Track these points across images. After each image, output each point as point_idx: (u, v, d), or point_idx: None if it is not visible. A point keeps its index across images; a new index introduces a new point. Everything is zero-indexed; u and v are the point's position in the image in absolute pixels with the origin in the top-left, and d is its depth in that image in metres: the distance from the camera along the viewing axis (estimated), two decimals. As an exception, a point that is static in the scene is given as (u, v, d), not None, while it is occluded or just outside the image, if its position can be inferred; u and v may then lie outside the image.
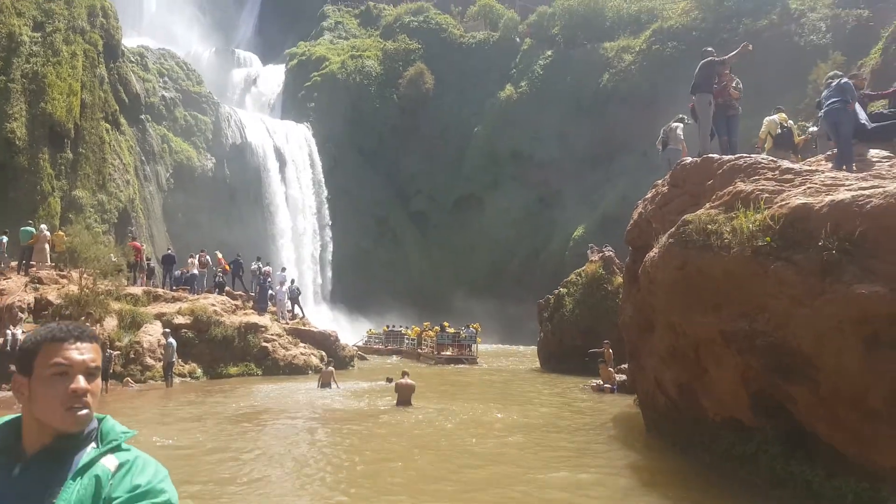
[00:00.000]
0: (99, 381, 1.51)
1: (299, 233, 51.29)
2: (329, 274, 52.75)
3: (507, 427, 11.50)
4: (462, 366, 27.66)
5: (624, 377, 16.30)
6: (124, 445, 1.50)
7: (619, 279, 21.89)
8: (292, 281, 28.15)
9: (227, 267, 26.10)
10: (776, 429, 7.19)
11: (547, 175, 52.34)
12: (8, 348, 14.87)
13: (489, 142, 55.82)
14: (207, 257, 25.31)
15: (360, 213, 54.48)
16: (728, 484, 7.32)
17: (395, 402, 13.68)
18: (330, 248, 53.48)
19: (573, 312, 24.13)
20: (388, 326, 39.21)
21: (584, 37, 55.17)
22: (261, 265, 25.84)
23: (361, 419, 12.11)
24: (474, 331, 31.09)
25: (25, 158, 32.07)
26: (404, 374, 14.01)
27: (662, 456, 9.19)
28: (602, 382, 17.26)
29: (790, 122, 12.36)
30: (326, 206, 53.81)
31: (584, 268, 25.20)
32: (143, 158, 42.84)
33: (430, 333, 31.19)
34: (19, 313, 16.37)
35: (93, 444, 1.48)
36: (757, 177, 8.22)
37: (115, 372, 16.63)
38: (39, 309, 17.23)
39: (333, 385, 17.05)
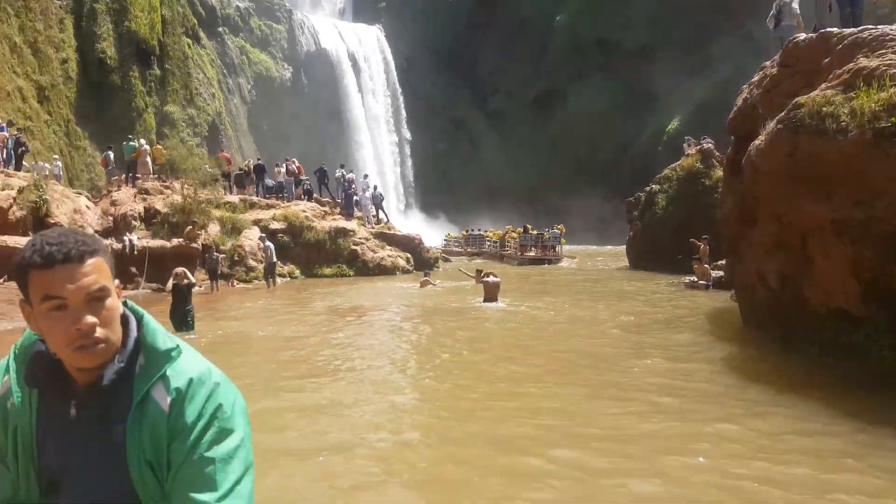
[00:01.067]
0: (111, 300, 1.21)
1: (376, 138, 51.64)
2: (408, 178, 53.35)
3: (598, 322, 11.66)
4: (546, 266, 27.86)
5: (720, 273, 15.88)
6: (171, 371, 1.25)
7: (719, 173, 20.82)
8: (375, 187, 28.67)
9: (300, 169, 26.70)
10: (888, 319, 6.95)
11: (637, 64, 49.23)
12: (127, 252, 16.22)
13: (573, 31, 52.80)
14: (294, 165, 26.06)
15: (435, 116, 53.99)
16: (831, 376, 7.11)
17: (481, 299, 14.00)
18: (407, 152, 53.72)
19: (666, 210, 23.34)
20: (467, 230, 39.59)
21: None
22: (344, 172, 26.41)
23: (452, 314, 12.60)
24: (558, 231, 30.98)
25: (118, 77, 33.47)
26: (489, 273, 14.18)
27: (760, 349, 8.96)
28: (696, 279, 16.83)
29: None
30: (403, 110, 53.58)
31: (679, 162, 24.04)
32: (224, 71, 43.72)
33: (514, 235, 31.36)
34: (132, 221, 17.67)
35: (140, 362, 1.26)
36: (883, 51, 7.47)
37: (222, 273, 17.89)
38: (149, 217, 18.51)
39: (430, 286, 17.55)
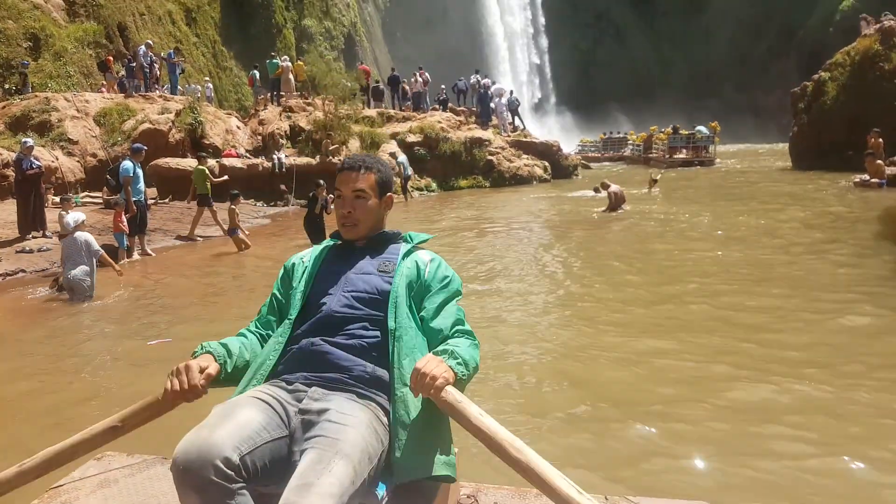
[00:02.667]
0: (368, 200, 1.84)
1: (513, 38, 49.51)
2: (547, 81, 51.03)
3: (754, 228, 10.56)
4: (698, 168, 25.84)
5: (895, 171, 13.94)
6: (426, 247, 1.93)
7: (902, 54, 17.84)
8: (511, 92, 27.65)
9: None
10: None
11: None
12: (276, 170, 17.10)
13: None
14: (427, 74, 25.70)
15: (577, 10, 50.49)
16: None
17: (604, 209, 13.40)
18: (546, 52, 51.12)
19: (836, 100, 20.64)
20: (604, 134, 37.52)
21: None
22: (479, 78, 25.64)
23: (582, 224, 12.03)
24: (711, 130, 28.40)
25: (257, -8, 34.33)
26: (607, 184, 13.59)
27: None
28: (868, 177, 14.89)
29: None
30: (541, 8, 50.61)
31: (853, 45, 20.85)
32: (357, -20, 43.53)
33: (661, 136, 29.20)
34: (280, 140, 18.52)
35: (404, 243, 1.91)
36: None
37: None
38: (294, 135, 19.29)
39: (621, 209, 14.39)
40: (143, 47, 20.13)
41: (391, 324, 1.68)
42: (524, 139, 24.85)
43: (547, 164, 23.77)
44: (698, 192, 17.15)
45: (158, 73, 20.73)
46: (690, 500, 1.94)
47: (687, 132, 28.44)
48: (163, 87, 20.77)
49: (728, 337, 5.20)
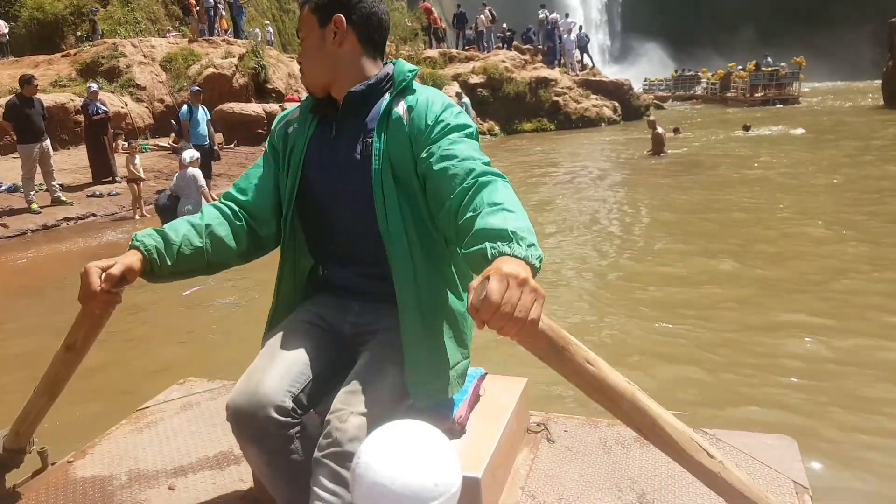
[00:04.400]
0: (308, 40, 1.45)
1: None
2: (616, 15, 48.45)
3: (819, 160, 9.74)
4: (779, 107, 24.16)
5: None
6: (414, 85, 1.46)
7: None
8: (580, 28, 26.32)
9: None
10: None
11: None
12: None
13: None
14: (492, 11, 24.67)
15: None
16: None
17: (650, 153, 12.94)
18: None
19: (943, 31, 18.65)
20: (676, 71, 35.42)
21: None
22: (547, 13, 24.45)
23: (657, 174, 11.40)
24: (797, 66, 26.37)
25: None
26: (654, 123, 13.08)
27: None
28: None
29: None
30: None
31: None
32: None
33: (742, 73, 27.33)
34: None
35: (388, 91, 1.45)
36: None
37: (423, 131, 18.10)
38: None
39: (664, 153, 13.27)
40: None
41: (381, 227, 1.36)
42: (593, 78, 23.77)
43: (617, 104, 22.70)
44: (781, 132, 15.98)
45: (223, 14, 20.66)
46: (772, 433, 1.81)
47: (770, 68, 26.52)
48: (226, 31, 20.74)
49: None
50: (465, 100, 18.29)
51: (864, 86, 29.59)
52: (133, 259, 1.28)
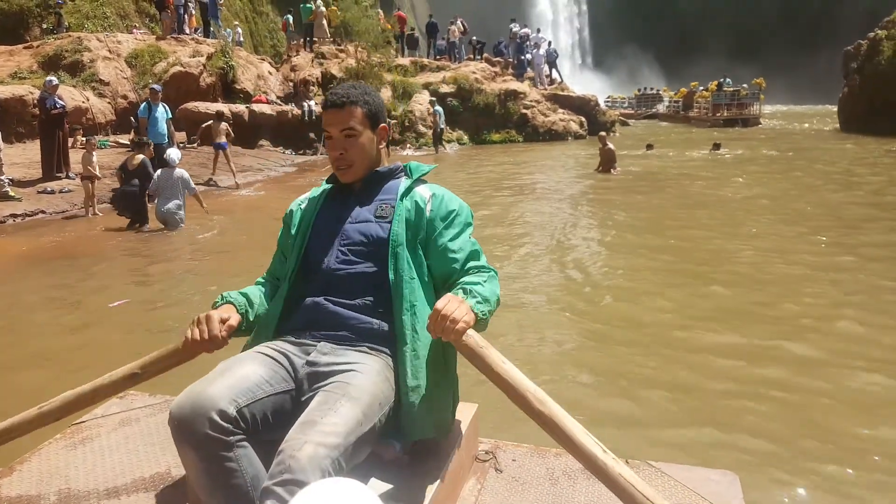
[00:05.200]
0: (360, 136, 1.64)
1: (555, -11, 47.76)
2: (585, 32, 49.31)
3: (783, 185, 10.07)
4: (740, 129, 24.87)
5: None
6: (427, 185, 1.74)
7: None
8: (549, 43, 26.69)
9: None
10: None
11: None
12: (306, 118, 16.85)
13: None
14: (464, 23, 24.84)
15: (622, -41, 48.25)
16: None
17: (599, 170, 12.82)
18: (584, 5, 49.27)
19: (892, 61, 19.59)
20: (639, 90, 36.21)
21: None
22: (518, 27, 24.73)
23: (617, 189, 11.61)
24: (757, 87, 27.20)
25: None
26: (604, 138, 12.96)
27: None
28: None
29: None
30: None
31: (917, -1, 19.60)
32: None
33: (705, 93, 28.05)
34: (311, 87, 18.20)
35: (405, 177, 1.74)
36: None
37: (393, 139, 18.03)
38: (325, 82, 18.94)
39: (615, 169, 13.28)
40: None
41: (391, 275, 1.58)
42: (561, 93, 24.08)
43: (583, 119, 23.03)
44: (739, 154, 16.43)
45: (193, 13, 20.34)
46: (714, 468, 1.82)
47: (732, 88, 27.29)
48: (195, 29, 20.44)
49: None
50: (438, 108, 18.41)
51: (823, 109, 30.64)
52: (235, 315, 1.56)
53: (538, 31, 28.31)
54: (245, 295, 1.65)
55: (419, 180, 1.75)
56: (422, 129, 19.29)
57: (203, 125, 11.61)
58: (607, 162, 12.66)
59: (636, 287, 5.63)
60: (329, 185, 1.80)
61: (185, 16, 19.53)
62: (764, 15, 45.35)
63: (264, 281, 1.77)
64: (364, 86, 1.74)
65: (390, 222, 1.63)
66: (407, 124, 19.22)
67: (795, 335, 4.37)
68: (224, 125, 11.72)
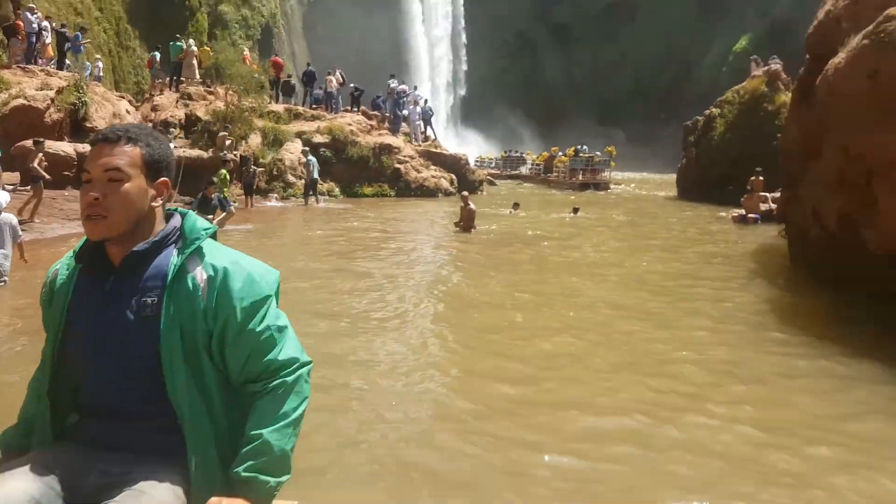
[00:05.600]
0: (127, 182, 1.35)
1: (433, 49, 49.86)
2: (462, 94, 51.66)
3: (630, 248, 11.01)
4: (593, 192, 26.88)
5: (770, 206, 15.13)
6: (207, 248, 1.41)
7: (784, 97, 19.34)
8: (425, 101, 27.67)
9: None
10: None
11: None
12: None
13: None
14: (342, 74, 25.11)
15: (498, 27, 51.47)
16: (875, 322, 6.58)
17: (459, 227, 12.99)
18: (463, 66, 51.77)
19: (723, 136, 22.14)
20: (505, 151, 38.33)
21: None
22: (396, 83, 25.44)
23: (488, 244, 12.11)
24: (608, 155, 29.65)
25: (173, -28, 32.60)
26: (466, 197, 13.15)
27: (805, 290, 8.48)
28: (746, 212, 16.08)
29: None
30: (462, 21, 51.26)
31: (743, 84, 22.45)
32: (284, -30, 42.29)
33: (563, 159, 30.15)
34: (172, 129, 17.53)
35: (176, 246, 1.40)
36: None
37: (259, 188, 17.63)
38: (189, 125, 18.35)
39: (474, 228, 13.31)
40: (30, 13, 18.39)
41: (170, 395, 1.34)
42: (434, 150, 24.89)
43: (454, 177, 23.86)
44: (589, 213, 17.71)
45: (47, 42, 19.03)
46: None
47: (587, 155, 29.51)
48: (50, 60, 19.15)
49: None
50: (312, 158, 18.23)
51: (669, 178, 33.83)
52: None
53: (415, 88, 29.34)
54: (22, 426, 1.46)
55: (196, 252, 1.40)
56: (291, 178, 19.06)
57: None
58: (468, 220, 12.91)
59: (471, 352, 5.86)
60: (81, 248, 1.44)
61: (38, 45, 18.29)
62: (621, 89, 49.82)
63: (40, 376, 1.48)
64: (152, 130, 1.49)
65: (159, 323, 1.33)
66: (275, 173, 18.92)
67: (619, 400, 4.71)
68: (40, 155, 10.72)
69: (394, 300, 7.20)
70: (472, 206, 13.01)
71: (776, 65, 21.52)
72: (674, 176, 26.28)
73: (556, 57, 53.36)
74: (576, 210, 17.02)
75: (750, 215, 15.86)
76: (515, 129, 47.63)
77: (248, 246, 10.35)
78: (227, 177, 13.29)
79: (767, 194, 16.02)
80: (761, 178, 16.46)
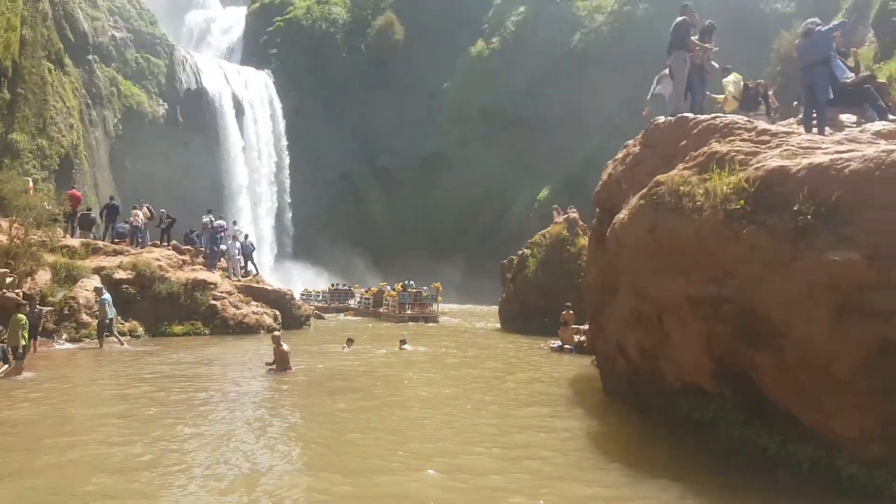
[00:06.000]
0: None
1: (256, 185, 49.83)
2: (287, 229, 51.56)
3: (457, 383, 11.13)
4: (421, 324, 27.44)
5: (583, 338, 16.33)
6: None
7: (583, 241, 21.82)
8: (246, 236, 27.07)
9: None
10: (736, 396, 7.06)
11: (516, 134, 51.74)
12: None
13: (459, 98, 54.62)
14: (149, 209, 23.84)
15: (322, 168, 53.05)
16: (685, 449, 7.17)
17: (273, 368, 12.37)
18: (288, 203, 52.14)
19: (536, 274, 24.20)
20: (333, 285, 38.48)
21: (557, -6, 54.13)
22: (213, 218, 24.66)
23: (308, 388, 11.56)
24: (435, 290, 30.81)
25: (-43, 97, 29.88)
26: (278, 338, 12.71)
27: (620, 420, 9.04)
28: (562, 343, 17.34)
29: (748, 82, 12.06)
30: (287, 158, 52.22)
31: (548, 229, 25.20)
32: (89, 102, 40.59)
33: (392, 293, 30.73)
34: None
35: None
36: (732, 137, 7.83)
37: (46, 329, 15.55)
38: (-36, 260, 15.96)
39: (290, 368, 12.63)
40: None
41: None
42: (256, 285, 23.97)
43: (278, 312, 22.97)
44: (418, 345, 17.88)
45: None
46: None
47: (415, 290, 30.41)
48: None
49: None
50: (106, 296, 16.48)
51: (491, 309, 35.66)
52: None
53: (234, 223, 28.70)
54: None
55: None
56: (86, 318, 17.05)
57: None
58: (282, 362, 12.30)
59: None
60: None
61: None
62: (444, 228, 52.93)
63: None
64: None
65: None
66: (67, 312, 16.86)
67: None
68: None
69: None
70: (284, 347, 12.46)
71: (574, 213, 24.60)
72: (497, 308, 27.83)
73: (380, 198, 55.89)
74: (403, 342, 17.13)
75: (566, 346, 17.11)
76: (345, 262, 48.03)
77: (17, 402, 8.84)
78: (26, 322, 11.16)
79: (579, 327, 17.45)
80: (571, 311, 18.02)
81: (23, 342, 10.96)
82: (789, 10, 41.34)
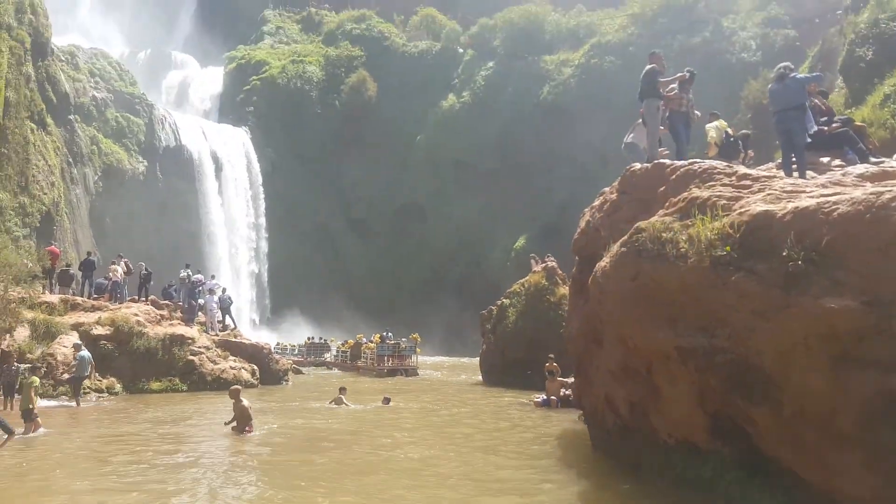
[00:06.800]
0: None
1: (234, 239, 49.46)
2: (265, 282, 50.97)
3: (443, 443, 10.79)
4: (402, 378, 26.89)
5: (569, 392, 15.81)
6: None
7: (563, 290, 21.55)
8: (223, 290, 26.66)
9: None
10: (734, 452, 6.75)
11: (488, 184, 52.25)
12: None
13: (432, 151, 55.30)
14: (128, 264, 23.53)
15: (299, 220, 52.90)
16: None
17: (232, 429, 11.52)
18: (266, 255, 51.72)
19: (516, 324, 23.63)
20: (309, 338, 37.97)
21: (525, 49, 55.63)
22: (190, 273, 24.28)
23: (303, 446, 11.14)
24: (413, 342, 30.39)
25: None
26: (237, 392, 11.80)
27: (610, 480, 8.56)
28: (547, 396, 16.77)
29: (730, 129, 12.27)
30: (264, 212, 52.05)
31: (527, 278, 24.67)
32: (70, 160, 40.40)
33: (370, 345, 30.24)
34: None
35: None
36: (713, 182, 7.86)
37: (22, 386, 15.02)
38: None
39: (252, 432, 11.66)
40: None
41: None
42: (234, 339, 23.55)
43: (256, 367, 22.42)
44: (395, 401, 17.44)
45: None
46: None
47: (393, 341, 29.96)
48: None
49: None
50: (84, 353, 16.08)
51: (472, 361, 35.13)
52: None
53: (213, 277, 28.28)
54: None
55: None
56: (65, 375, 16.66)
57: None
58: (242, 420, 11.39)
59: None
60: None
61: None
62: (420, 278, 52.73)
63: None
64: None
65: None
66: (45, 370, 16.37)
67: None
68: None
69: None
70: (244, 402, 11.50)
71: (552, 262, 24.27)
72: (477, 359, 27.20)
73: (357, 249, 55.70)
74: (387, 399, 16.68)
75: (552, 398, 16.47)
76: (322, 313, 47.39)
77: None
78: (38, 384, 12.02)
79: (565, 380, 16.67)
80: (555, 363, 17.53)
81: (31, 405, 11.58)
82: (755, 59, 42.82)
